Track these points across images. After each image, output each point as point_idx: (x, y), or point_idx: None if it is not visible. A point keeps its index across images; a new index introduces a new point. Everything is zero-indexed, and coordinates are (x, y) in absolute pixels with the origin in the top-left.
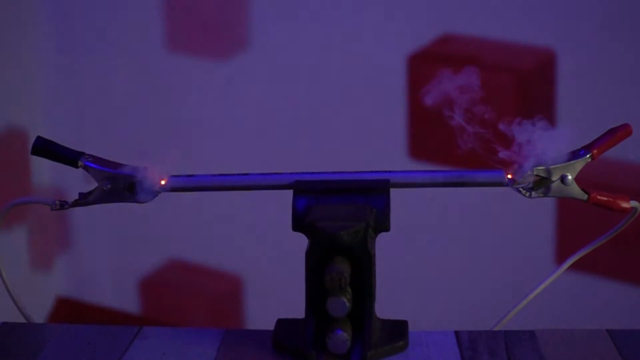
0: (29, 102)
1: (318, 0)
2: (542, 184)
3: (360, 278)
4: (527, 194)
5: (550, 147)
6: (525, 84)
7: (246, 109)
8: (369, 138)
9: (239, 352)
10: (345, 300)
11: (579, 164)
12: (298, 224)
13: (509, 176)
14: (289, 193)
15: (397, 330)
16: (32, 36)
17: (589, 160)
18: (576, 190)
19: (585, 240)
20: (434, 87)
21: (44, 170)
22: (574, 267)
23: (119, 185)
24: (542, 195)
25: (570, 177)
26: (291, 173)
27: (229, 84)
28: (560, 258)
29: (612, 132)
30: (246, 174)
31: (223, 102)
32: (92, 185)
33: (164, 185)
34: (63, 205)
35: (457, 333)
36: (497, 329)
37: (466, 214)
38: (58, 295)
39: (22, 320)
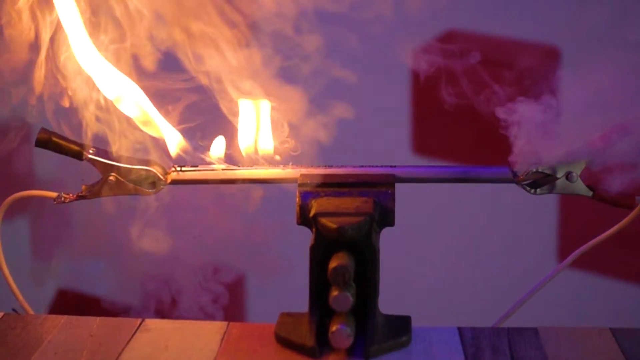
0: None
1: None
2: (547, 180)
3: (364, 273)
4: (532, 190)
5: (556, 144)
6: (530, 80)
7: None
8: (372, 133)
9: (242, 346)
10: (349, 294)
11: (584, 161)
12: (303, 218)
13: (514, 173)
14: (294, 186)
15: (400, 326)
16: None
17: (594, 157)
18: (581, 187)
19: (588, 237)
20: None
21: (46, 162)
22: (579, 265)
23: (124, 178)
24: (547, 192)
25: (575, 174)
26: (296, 166)
27: None
28: (563, 255)
29: (617, 127)
30: (252, 167)
31: None
32: (97, 177)
33: (169, 177)
34: (67, 198)
35: (460, 329)
36: (500, 325)
37: (470, 210)
38: (59, 286)
39: (23, 312)
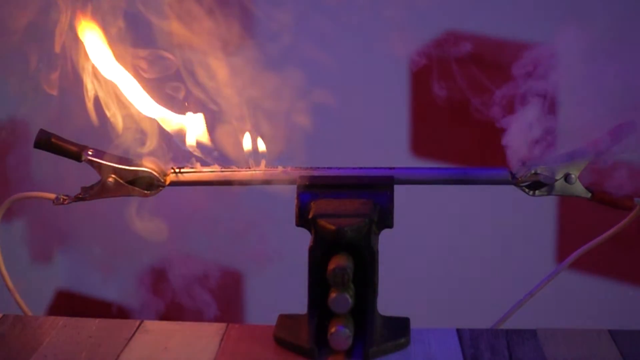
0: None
1: None
2: (545, 182)
3: (363, 274)
4: (531, 192)
5: (554, 145)
6: (528, 82)
7: None
8: (370, 134)
9: (241, 347)
10: (347, 296)
11: (583, 163)
12: (302, 219)
13: (513, 174)
14: (292, 188)
15: (399, 327)
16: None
17: (592, 158)
18: (580, 189)
19: (586, 238)
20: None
21: (45, 164)
22: (577, 267)
23: (122, 179)
24: (545, 193)
25: (574, 176)
26: (295, 168)
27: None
28: (562, 257)
29: (615, 129)
30: (250, 169)
31: None
32: (95, 178)
33: (168, 179)
34: (65, 199)
35: (458, 331)
36: (499, 327)
37: (468, 212)
38: (58, 288)
39: (21, 313)
